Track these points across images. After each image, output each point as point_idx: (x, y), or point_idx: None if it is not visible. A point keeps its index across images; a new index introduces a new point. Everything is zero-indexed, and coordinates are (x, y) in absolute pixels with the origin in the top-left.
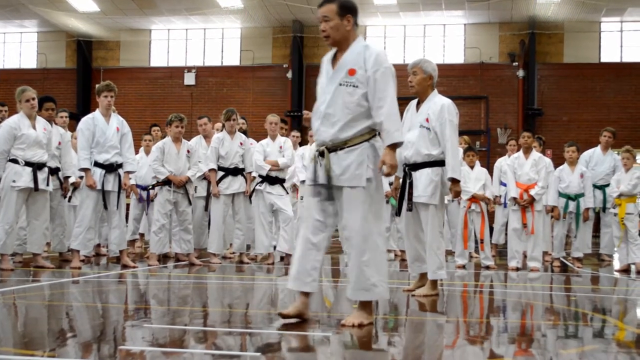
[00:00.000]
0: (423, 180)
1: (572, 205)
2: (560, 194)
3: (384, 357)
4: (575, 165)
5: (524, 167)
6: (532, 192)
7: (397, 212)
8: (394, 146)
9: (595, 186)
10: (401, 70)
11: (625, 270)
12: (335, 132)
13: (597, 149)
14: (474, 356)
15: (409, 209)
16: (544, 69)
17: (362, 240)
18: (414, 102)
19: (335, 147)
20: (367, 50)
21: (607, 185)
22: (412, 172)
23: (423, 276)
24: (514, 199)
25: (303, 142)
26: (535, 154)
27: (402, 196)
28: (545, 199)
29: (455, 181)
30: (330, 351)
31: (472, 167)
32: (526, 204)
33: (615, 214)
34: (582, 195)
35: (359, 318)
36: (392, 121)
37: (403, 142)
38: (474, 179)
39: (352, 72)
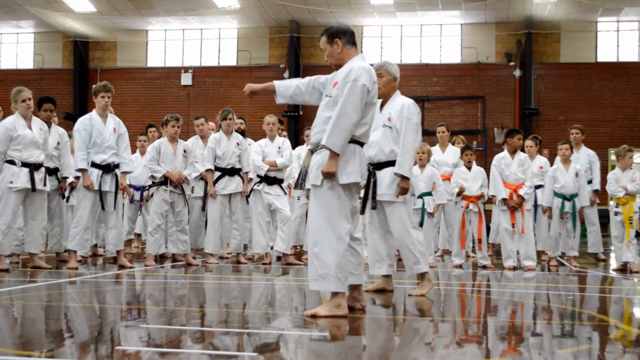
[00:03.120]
0: (387, 178)
1: (567, 205)
2: (556, 194)
3: (380, 356)
4: (569, 163)
5: (511, 167)
6: (521, 192)
7: (362, 211)
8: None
9: None
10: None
11: (622, 270)
12: (312, 137)
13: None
14: (469, 356)
15: (373, 207)
16: (540, 68)
17: (313, 233)
18: (379, 102)
19: (313, 149)
20: (346, 67)
21: (587, 182)
22: (376, 171)
23: (386, 277)
24: (504, 200)
25: (300, 142)
26: (521, 154)
27: (367, 194)
28: (540, 198)
29: (403, 177)
30: (328, 350)
31: (469, 168)
32: (516, 205)
33: (617, 213)
34: (577, 195)
35: (317, 309)
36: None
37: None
38: (472, 179)
39: (335, 84)
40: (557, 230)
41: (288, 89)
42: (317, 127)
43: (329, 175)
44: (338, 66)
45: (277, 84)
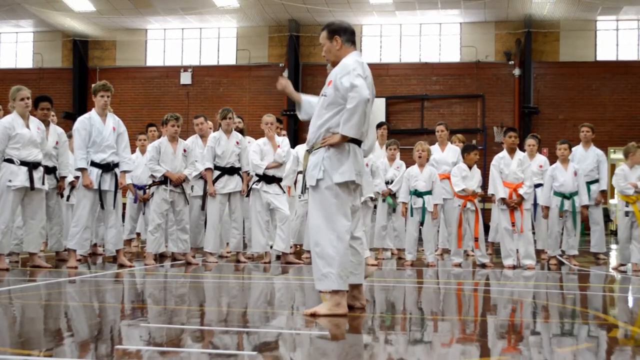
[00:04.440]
0: None
1: (567, 204)
2: (556, 193)
3: (380, 355)
4: (568, 162)
5: (510, 166)
6: (521, 191)
7: None
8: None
9: None
10: (397, 69)
11: (621, 268)
12: (308, 137)
13: (579, 146)
14: (469, 354)
15: None
16: (540, 67)
17: (313, 234)
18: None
19: (310, 149)
20: (340, 64)
21: (593, 181)
22: None
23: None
24: (503, 199)
25: (299, 141)
26: (520, 154)
27: None
28: (540, 197)
29: None
30: (327, 349)
31: (470, 167)
32: (515, 204)
33: (627, 213)
34: (576, 193)
35: (317, 308)
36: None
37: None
38: (471, 177)
39: (329, 83)
40: (557, 229)
41: (312, 106)
42: (312, 126)
43: (330, 142)
44: (334, 63)
45: (304, 98)
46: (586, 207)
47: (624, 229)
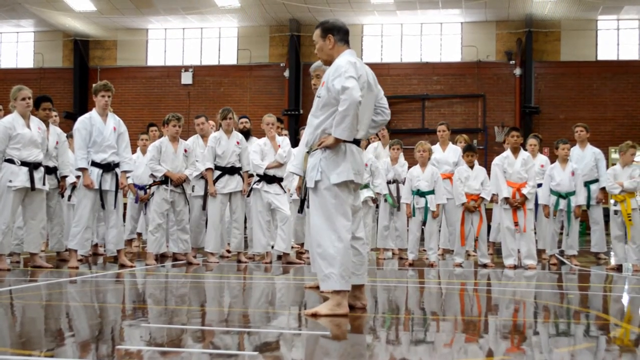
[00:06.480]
0: None
1: (563, 203)
2: (552, 192)
3: (381, 354)
4: (567, 162)
5: (514, 166)
6: (524, 191)
7: (300, 210)
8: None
9: None
10: (398, 69)
11: (618, 268)
12: (304, 137)
13: (576, 147)
14: (471, 354)
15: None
16: (541, 67)
17: (314, 235)
18: None
19: (309, 150)
20: (332, 65)
21: (592, 181)
22: None
23: None
24: (506, 199)
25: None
26: (524, 153)
27: (305, 195)
28: (540, 196)
29: None
30: (328, 349)
31: (471, 167)
32: (519, 204)
33: (617, 212)
34: (573, 193)
35: (318, 308)
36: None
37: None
38: (473, 177)
39: (322, 84)
40: (554, 228)
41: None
42: (309, 127)
43: (325, 144)
44: (327, 62)
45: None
46: (580, 207)
47: (616, 228)
